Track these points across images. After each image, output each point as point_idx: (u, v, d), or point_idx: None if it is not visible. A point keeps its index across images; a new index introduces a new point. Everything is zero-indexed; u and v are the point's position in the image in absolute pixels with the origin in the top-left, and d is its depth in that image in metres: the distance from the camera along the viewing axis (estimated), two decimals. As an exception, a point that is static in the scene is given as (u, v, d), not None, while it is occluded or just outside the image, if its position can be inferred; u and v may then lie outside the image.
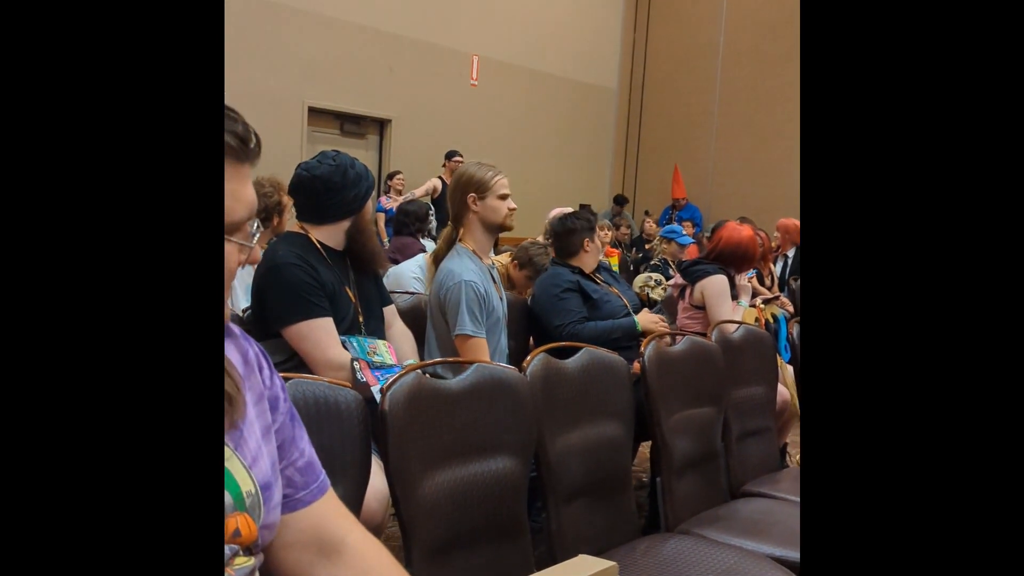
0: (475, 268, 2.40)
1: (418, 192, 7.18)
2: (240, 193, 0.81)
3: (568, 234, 2.97)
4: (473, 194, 2.45)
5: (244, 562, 0.88)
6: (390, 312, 2.38)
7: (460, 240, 2.48)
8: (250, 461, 0.89)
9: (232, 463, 0.87)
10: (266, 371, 0.98)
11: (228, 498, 0.85)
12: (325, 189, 2.14)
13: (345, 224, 2.19)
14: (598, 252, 3.06)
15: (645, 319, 2.88)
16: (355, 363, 2.02)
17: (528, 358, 1.74)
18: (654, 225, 8.96)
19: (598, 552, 1.75)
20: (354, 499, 1.38)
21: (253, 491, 0.88)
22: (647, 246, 8.00)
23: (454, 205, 2.50)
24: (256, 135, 0.85)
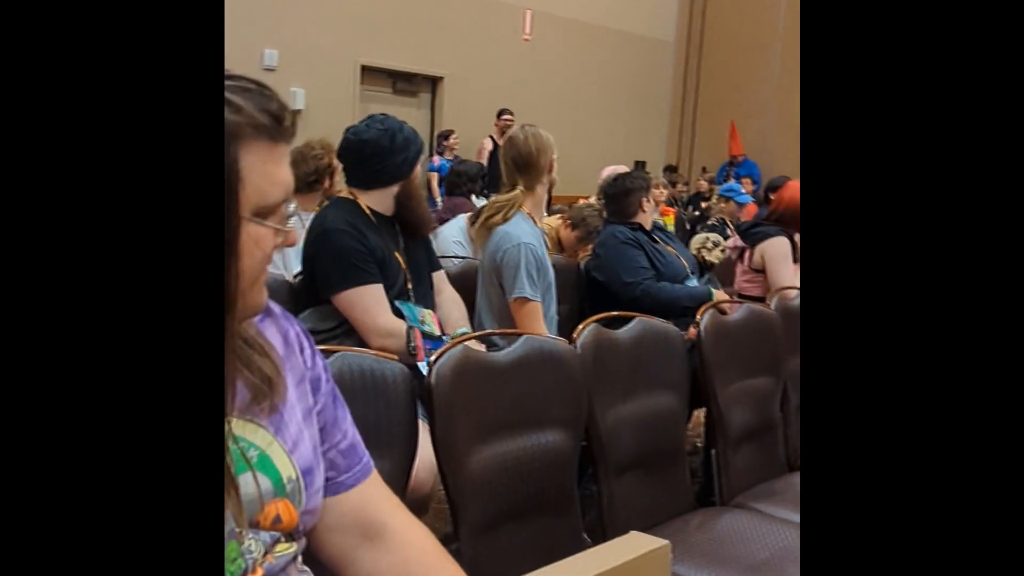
0: (532, 231, 2.36)
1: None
2: (275, 175, 0.77)
3: (625, 195, 2.88)
4: (554, 157, 2.43)
5: (286, 548, 0.86)
6: (439, 278, 2.35)
7: (520, 205, 2.42)
8: (291, 446, 0.86)
9: (273, 448, 0.84)
10: (308, 351, 0.95)
11: (268, 483, 0.83)
12: (373, 154, 2.10)
13: (394, 189, 2.15)
14: (654, 211, 2.98)
15: (720, 296, 2.80)
16: (411, 331, 2.00)
17: (579, 328, 1.70)
18: (708, 184, 8.74)
19: (651, 525, 1.72)
20: (401, 473, 1.36)
21: (294, 476, 0.85)
22: (703, 204, 7.81)
23: (531, 168, 2.42)
24: (292, 113, 0.80)
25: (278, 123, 0.77)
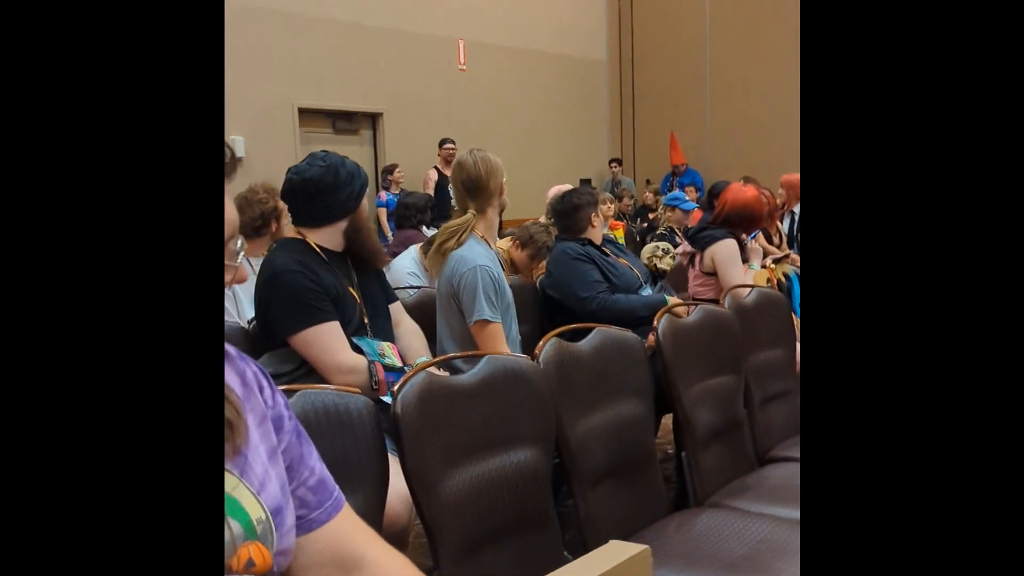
0: (486, 253, 2.37)
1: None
2: None
3: (573, 210, 2.91)
4: (504, 180, 2.45)
5: None
6: (396, 309, 2.34)
7: (472, 228, 2.43)
8: (258, 487, 0.85)
9: (239, 491, 0.83)
10: (267, 390, 0.94)
11: (238, 527, 0.81)
12: (318, 191, 2.09)
13: (342, 224, 2.14)
14: (603, 226, 3.01)
15: (674, 301, 2.84)
16: (372, 366, 1.98)
17: (540, 344, 1.70)
18: (653, 195, 8.87)
19: (629, 532, 1.72)
20: (375, 508, 1.35)
21: (263, 518, 0.84)
22: (651, 215, 7.92)
23: (481, 192, 2.42)
24: (231, 149, 0.80)
25: None
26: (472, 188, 2.40)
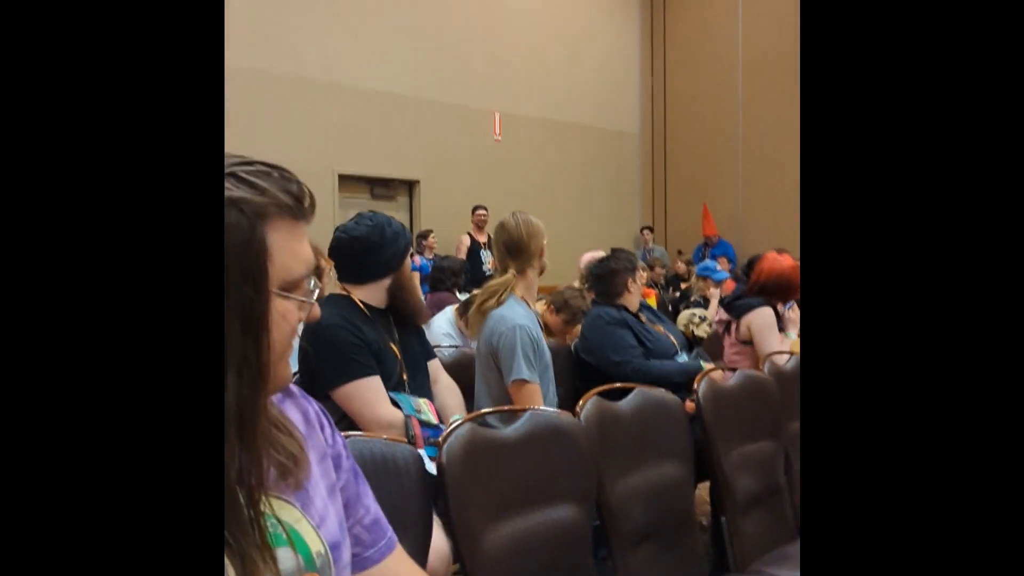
0: (526, 314, 2.39)
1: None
2: (298, 251, 0.82)
3: (611, 275, 2.94)
4: (545, 242, 2.49)
5: None
6: (434, 366, 2.37)
7: (512, 288, 2.46)
8: (318, 521, 0.87)
9: (301, 524, 0.85)
10: (327, 429, 0.96)
11: (299, 560, 0.83)
12: (364, 250, 2.15)
13: (386, 282, 2.19)
14: (640, 292, 3.03)
15: (710, 367, 2.83)
16: (408, 420, 2.00)
17: (580, 402, 1.71)
18: (685, 265, 8.90)
19: (668, 599, 1.69)
20: (418, 557, 1.35)
21: (323, 551, 0.86)
22: (683, 284, 7.93)
23: (522, 253, 2.47)
24: (311, 194, 0.85)
25: (299, 202, 0.82)
26: (513, 249, 2.45)
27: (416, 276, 7.17)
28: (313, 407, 0.96)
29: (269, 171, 0.80)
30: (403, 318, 2.25)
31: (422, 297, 2.34)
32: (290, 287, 0.81)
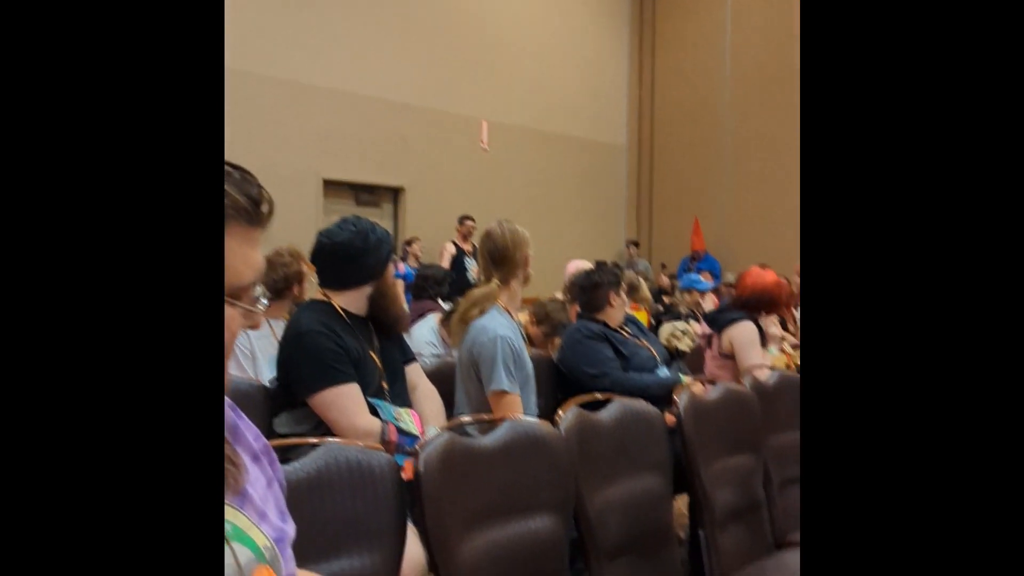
0: (508, 324, 2.39)
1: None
2: (249, 257, 0.80)
3: (594, 288, 2.95)
4: (530, 252, 2.48)
5: None
6: (414, 371, 2.35)
7: (495, 298, 2.45)
8: (258, 518, 0.87)
9: (240, 520, 0.86)
10: (253, 429, 0.96)
11: (248, 553, 0.84)
12: (346, 255, 2.14)
13: (367, 289, 2.18)
14: (624, 306, 3.04)
15: (689, 381, 2.84)
16: (385, 426, 1.99)
17: (560, 412, 1.71)
18: (669, 279, 8.94)
19: (645, 613, 1.69)
20: (391, 566, 1.34)
21: (269, 544, 0.87)
22: (665, 298, 7.96)
23: (507, 263, 2.46)
24: (270, 200, 0.84)
25: (257, 207, 0.80)
26: (498, 258, 2.45)
27: (400, 284, 7.16)
28: (231, 410, 0.96)
29: (230, 171, 0.79)
30: (384, 326, 2.24)
31: (405, 305, 2.33)
32: (237, 294, 0.79)
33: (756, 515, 2.12)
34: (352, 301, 2.18)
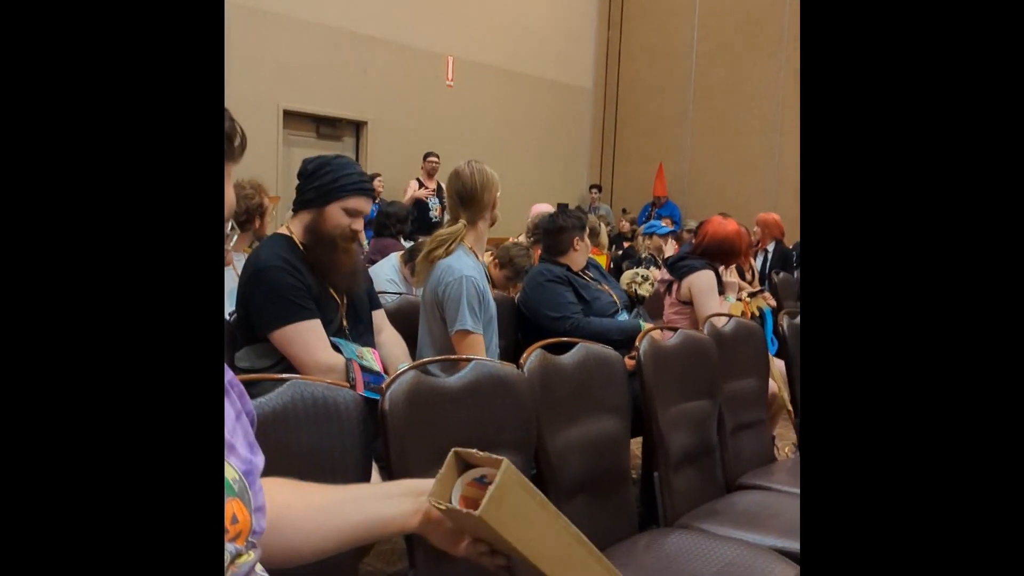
0: (474, 265, 2.38)
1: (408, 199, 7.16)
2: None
3: (558, 232, 2.95)
4: (498, 194, 2.46)
5: (246, 558, 0.86)
6: (379, 316, 2.34)
7: (462, 239, 2.44)
8: (226, 452, 0.87)
9: None
10: None
11: None
12: (317, 167, 2.09)
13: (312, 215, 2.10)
14: (587, 251, 3.05)
15: (648, 327, 2.86)
16: (349, 363, 1.98)
17: (525, 354, 1.73)
18: (630, 224, 8.99)
19: (600, 548, 1.73)
20: (355, 501, 1.35)
21: (237, 477, 0.87)
22: (625, 244, 8.02)
23: (474, 204, 2.43)
24: (243, 133, 0.82)
25: (228, 141, 0.78)
26: (466, 198, 2.42)
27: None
28: None
29: None
30: (338, 280, 2.16)
31: (356, 260, 2.23)
32: None
33: (709, 458, 2.18)
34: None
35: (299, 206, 2.13)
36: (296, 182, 2.18)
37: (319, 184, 2.08)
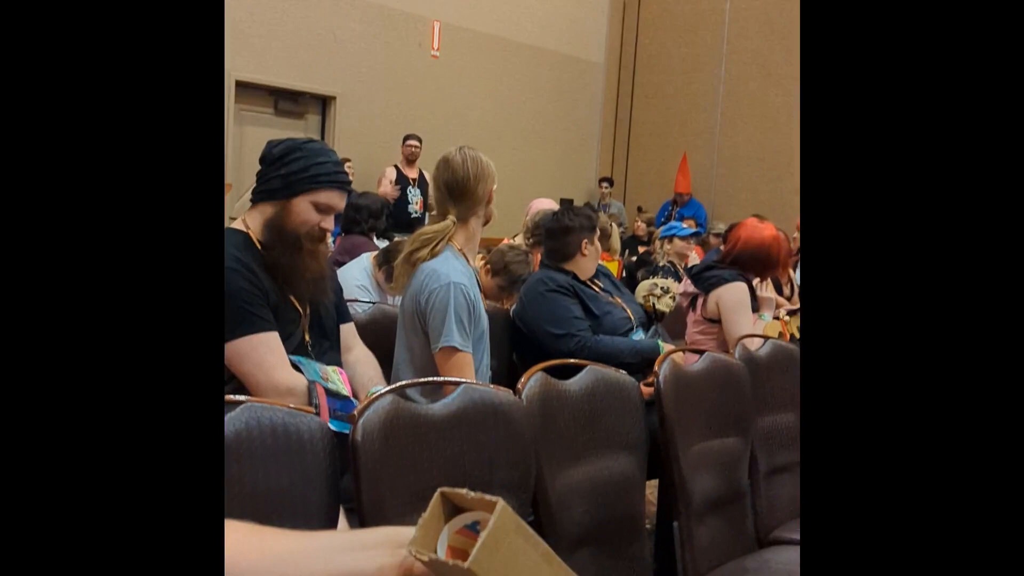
0: (464, 270, 2.38)
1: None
2: None
3: (563, 233, 2.94)
4: (494, 187, 2.45)
5: None
6: (348, 331, 2.33)
7: (450, 238, 2.44)
8: None
9: None
10: None
11: None
12: (283, 153, 2.08)
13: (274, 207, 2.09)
14: (597, 256, 3.04)
15: (669, 349, 2.87)
16: (312, 386, 1.98)
17: (524, 378, 1.73)
18: (646, 226, 9.01)
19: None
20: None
21: None
22: (641, 248, 8.04)
23: (466, 198, 2.42)
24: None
25: None
26: (456, 191, 2.42)
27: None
28: None
29: None
30: (301, 286, 2.16)
31: (324, 265, 2.22)
32: None
33: (738, 507, 2.19)
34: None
35: (259, 196, 2.12)
36: (253, 167, 2.18)
37: (286, 172, 2.07)
